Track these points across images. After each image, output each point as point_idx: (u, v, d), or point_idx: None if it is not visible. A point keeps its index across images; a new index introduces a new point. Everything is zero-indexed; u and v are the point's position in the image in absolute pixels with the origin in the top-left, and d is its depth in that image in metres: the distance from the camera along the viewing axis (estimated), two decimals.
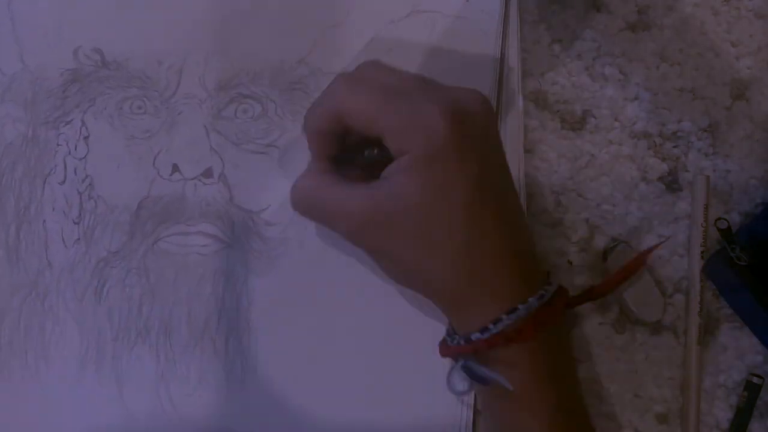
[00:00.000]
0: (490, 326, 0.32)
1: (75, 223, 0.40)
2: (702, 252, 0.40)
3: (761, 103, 0.42)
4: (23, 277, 0.40)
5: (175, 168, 0.41)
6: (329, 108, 0.34)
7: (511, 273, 0.33)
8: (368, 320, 0.39)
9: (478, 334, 0.33)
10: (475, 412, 0.38)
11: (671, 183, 0.41)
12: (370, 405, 0.38)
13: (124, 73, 0.42)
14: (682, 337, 0.40)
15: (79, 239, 0.40)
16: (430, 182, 0.32)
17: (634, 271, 0.37)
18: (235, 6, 0.43)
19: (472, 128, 0.33)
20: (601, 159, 0.42)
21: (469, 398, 0.38)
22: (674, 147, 0.42)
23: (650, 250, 0.37)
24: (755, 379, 0.39)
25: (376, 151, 0.35)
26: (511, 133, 0.41)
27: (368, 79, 0.35)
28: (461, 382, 0.34)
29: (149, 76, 0.42)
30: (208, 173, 0.41)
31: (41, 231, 0.40)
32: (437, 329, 0.36)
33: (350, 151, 0.36)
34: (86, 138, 0.41)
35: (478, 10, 0.42)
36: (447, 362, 0.36)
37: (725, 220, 0.38)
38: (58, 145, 0.41)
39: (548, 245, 0.41)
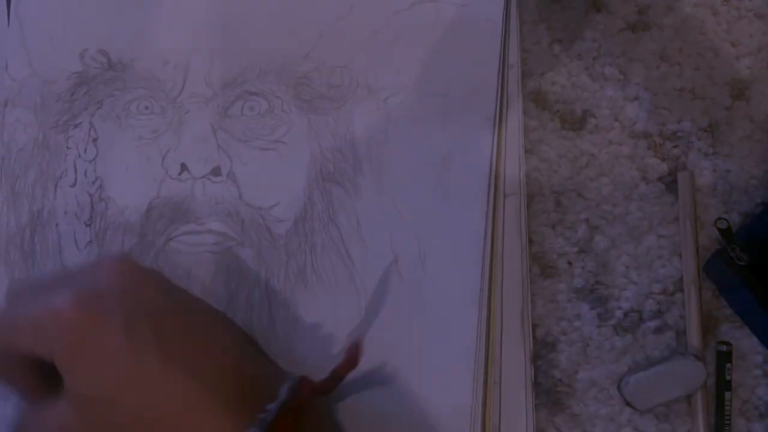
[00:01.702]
0: None
1: (87, 226, 0.40)
2: (696, 248, 0.39)
3: (761, 103, 0.41)
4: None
5: (184, 167, 0.40)
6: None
7: (215, 411, 0.30)
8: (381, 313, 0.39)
9: None
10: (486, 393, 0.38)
11: (671, 183, 0.41)
12: (387, 397, 0.38)
13: (131, 74, 0.41)
14: (683, 336, 0.39)
15: (91, 241, 0.39)
16: (88, 374, 0.31)
17: (352, 366, 0.35)
18: (239, 3, 0.41)
19: (103, 299, 0.32)
20: (601, 159, 0.41)
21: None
22: (674, 147, 0.41)
23: (357, 347, 0.35)
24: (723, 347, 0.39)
25: None
26: (510, 133, 0.40)
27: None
28: None
29: (155, 76, 0.41)
30: (216, 171, 0.40)
31: (54, 234, 0.40)
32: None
33: None
34: (95, 140, 0.40)
35: None
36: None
37: (725, 219, 0.37)
38: (68, 148, 0.40)
39: (548, 245, 0.40)
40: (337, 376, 0.35)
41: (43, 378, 0.33)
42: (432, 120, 0.40)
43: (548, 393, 0.39)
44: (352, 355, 0.35)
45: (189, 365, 0.31)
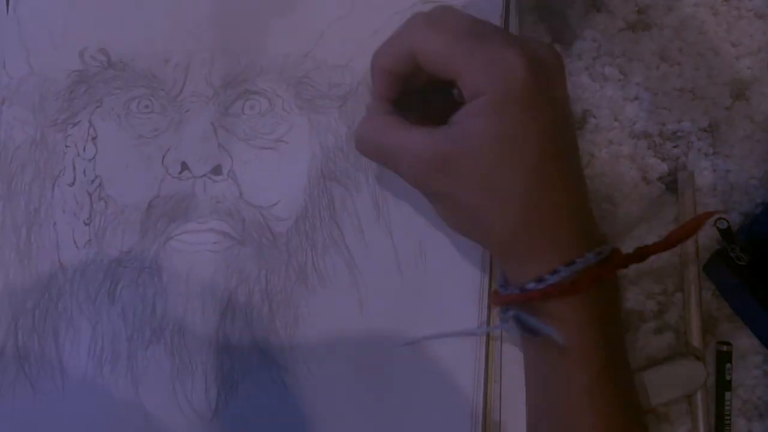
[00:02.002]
0: (547, 276, 0.31)
1: (86, 225, 0.39)
2: (696, 248, 0.39)
3: (761, 103, 0.41)
4: (36, 280, 0.39)
5: (184, 166, 0.40)
6: (404, 47, 0.33)
7: (573, 227, 0.32)
8: (380, 310, 0.39)
9: (533, 284, 0.32)
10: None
11: (671, 183, 0.41)
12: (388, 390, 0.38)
13: (131, 72, 0.40)
14: (683, 336, 0.39)
15: (90, 240, 0.39)
16: (505, 126, 0.32)
17: (692, 232, 0.34)
18: (239, 2, 0.41)
19: (547, 78, 0.33)
20: (601, 159, 0.41)
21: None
22: (674, 147, 0.41)
23: (709, 213, 0.35)
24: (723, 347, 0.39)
25: (449, 93, 0.34)
26: None
27: (445, 20, 0.34)
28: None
29: (155, 75, 0.40)
30: (217, 170, 0.40)
31: (52, 233, 0.39)
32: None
33: (411, 95, 0.35)
34: (94, 139, 0.40)
35: None
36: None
37: (725, 220, 0.37)
38: (66, 146, 0.40)
39: None
40: (674, 239, 0.34)
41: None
42: None
43: None
44: (698, 219, 0.34)
45: (575, 176, 0.33)
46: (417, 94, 0.35)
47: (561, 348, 0.32)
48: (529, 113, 0.31)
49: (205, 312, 0.38)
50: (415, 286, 0.38)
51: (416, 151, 0.33)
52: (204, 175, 0.40)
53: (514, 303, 0.33)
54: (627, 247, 0.40)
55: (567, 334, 0.31)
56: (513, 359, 0.38)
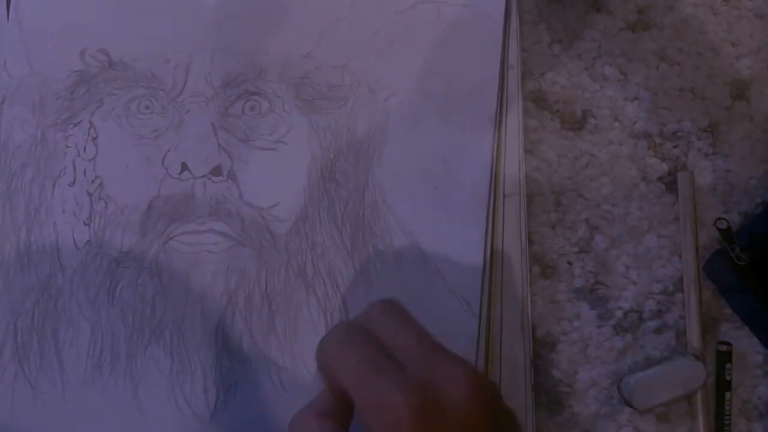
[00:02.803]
0: None
1: (86, 225, 0.39)
2: (696, 247, 0.39)
3: (761, 102, 0.41)
4: (35, 280, 0.38)
5: (184, 167, 0.39)
6: (321, 363, 0.32)
7: None
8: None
9: None
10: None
11: (671, 183, 0.40)
12: None
13: (131, 73, 0.40)
14: (683, 336, 0.39)
15: (90, 240, 0.39)
16: None
17: None
18: (240, 3, 0.41)
19: (444, 427, 0.29)
20: (601, 159, 0.41)
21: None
22: (674, 147, 0.41)
23: None
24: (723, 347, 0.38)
25: None
26: (510, 134, 0.40)
27: (358, 340, 0.31)
28: None
29: (156, 75, 0.40)
30: (217, 171, 0.39)
31: (52, 233, 0.39)
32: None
33: None
34: (95, 139, 0.40)
35: None
36: None
37: (725, 220, 0.37)
38: (66, 146, 0.39)
39: (548, 246, 0.40)
40: None
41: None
42: (433, 119, 0.40)
43: (548, 393, 0.39)
44: None
45: None
46: None
47: None
48: None
49: (204, 313, 0.38)
50: (415, 287, 0.38)
51: None
52: (204, 176, 0.39)
53: None
54: (626, 249, 0.40)
55: None
56: (513, 359, 0.38)
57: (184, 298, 0.38)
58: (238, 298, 0.38)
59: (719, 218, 0.37)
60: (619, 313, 0.39)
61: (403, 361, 0.30)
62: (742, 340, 0.39)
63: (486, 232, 0.39)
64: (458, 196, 0.39)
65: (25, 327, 0.38)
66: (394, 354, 0.30)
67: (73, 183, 0.39)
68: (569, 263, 0.40)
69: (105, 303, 0.38)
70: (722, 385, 0.38)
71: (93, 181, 0.39)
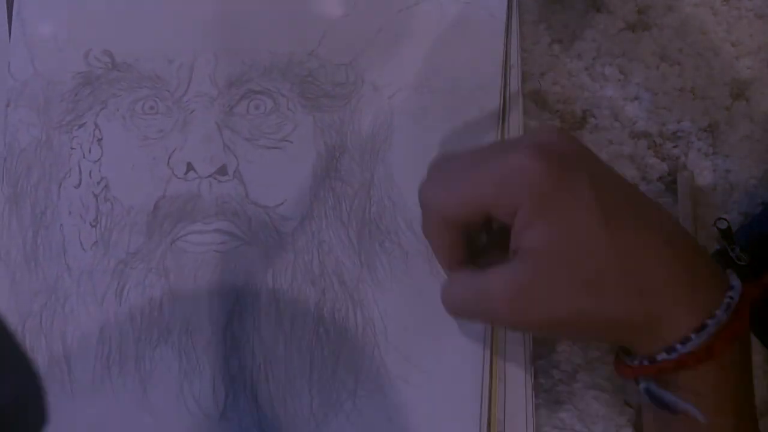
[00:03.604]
0: (678, 347, 0.28)
1: (92, 226, 0.38)
2: None
3: (761, 103, 0.41)
4: (42, 282, 0.38)
5: (190, 167, 0.39)
6: (440, 217, 0.32)
7: (691, 285, 0.28)
8: (389, 312, 0.38)
9: (664, 355, 0.29)
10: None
11: (671, 183, 0.40)
12: (395, 390, 0.37)
13: (135, 74, 0.39)
14: None
15: (96, 242, 0.38)
16: (557, 226, 0.29)
17: None
18: (243, 2, 0.40)
19: (563, 157, 0.30)
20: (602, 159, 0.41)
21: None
22: (674, 147, 0.41)
23: None
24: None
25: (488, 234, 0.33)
26: (511, 134, 0.40)
27: (444, 169, 0.32)
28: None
29: (160, 75, 0.39)
30: (222, 171, 0.39)
31: (58, 235, 0.38)
32: None
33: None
34: (100, 140, 0.39)
35: None
36: None
37: (725, 219, 0.37)
38: (72, 148, 0.39)
39: None
40: None
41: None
42: (437, 116, 0.39)
43: (548, 393, 0.38)
44: None
45: (655, 224, 0.29)
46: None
47: (697, 424, 0.29)
48: (568, 203, 0.28)
49: (212, 312, 0.38)
50: (423, 283, 0.38)
51: (500, 290, 0.30)
52: (209, 176, 0.39)
53: (644, 374, 0.30)
54: None
55: (704, 410, 0.29)
56: (514, 360, 0.38)
57: (192, 298, 0.38)
58: (246, 298, 0.38)
59: (719, 218, 0.37)
60: None
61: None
62: None
63: None
64: None
65: (33, 329, 0.37)
66: None
67: (79, 185, 0.39)
68: None
69: (113, 304, 0.38)
70: None
71: (99, 183, 0.38)
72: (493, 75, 0.39)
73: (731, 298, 0.29)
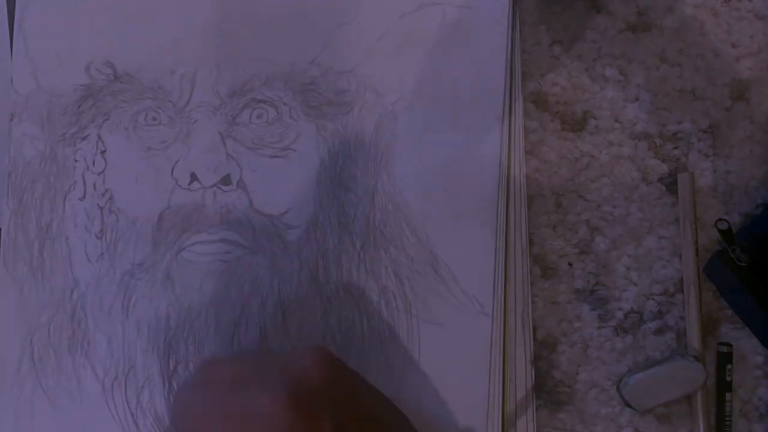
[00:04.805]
0: None
1: (98, 238, 0.37)
2: (696, 250, 0.38)
3: (761, 103, 0.40)
4: (49, 295, 0.37)
5: (194, 177, 0.38)
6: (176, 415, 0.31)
7: None
8: (395, 318, 0.37)
9: None
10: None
11: (671, 184, 0.39)
12: (404, 395, 0.37)
13: (137, 85, 0.38)
14: (683, 337, 0.38)
15: (102, 254, 0.37)
16: None
17: None
18: (243, 11, 0.39)
19: (317, 401, 0.29)
20: (602, 160, 0.40)
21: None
22: (674, 148, 0.40)
23: None
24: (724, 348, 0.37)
25: None
26: (512, 135, 0.39)
27: (196, 396, 0.31)
28: None
29: (162, 86, 0.38)
30: (226, 180, 0.38)
31: (64, 248, 0.37)
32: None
33: None
34: (103, 152, 0.38)
35: None
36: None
37: (725, 220, 0.36)
38: (75, 161, 0.38)
39: (548, 247, 0.39)
40: None
41: None
42: (440, 122, 0.38)
43: (549, 393, 0.38)
44: None
45: None
46: None
47: None
48: None
49: (219, 321, 0.37)
50: (428, 289, 0.37)
51: None
52: (213, 186, 0.38)
53: None
54: (627, 250, 0.39)
55: None
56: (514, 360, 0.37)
57: (198, 308, 0.37)
58: (252, 306, 0.37)
59: (720, 219, 0.36)
60: (619, 314, 0.38)
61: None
62: (743, 341, 0.38)
63: (497, 232, 0.38)
64: (468, 198, 0.38)
65: (42, 342, 0.37)
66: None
67: (84, 197, 0.38)
68: (570, 264, 0.39)
69: (120, 315, 0.37)
70: (723, 386, 0.37)
71: (103, 195, 0.38)
72: (496, 79, 0.39)
73: None
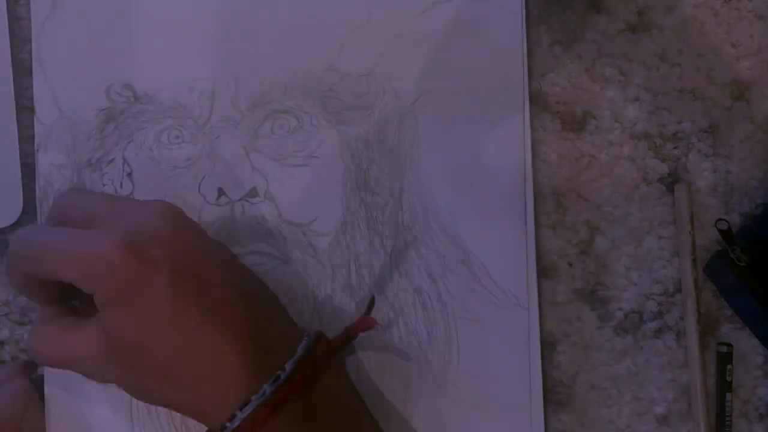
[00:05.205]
0: (227, 425, 0.29)
1: None
2: (693, 260, 0.37)
3: (761, 104, 0.39)
4: None
5: (221, 192, 0.36)
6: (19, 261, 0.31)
7: (236, 364, 0.29)
8: (431, 318, 0.36)
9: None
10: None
11: (672, 184, 0.38)
12: (444, 396, 0.36)
13: (157, 105, 0.36)
14: (683, 338, 0.38)
15: None
16: (128, 317, 0.29)
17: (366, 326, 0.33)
18: (257, 23, 0.36)
19: (150, 248, 0.29)
20: (602, 160, 0.38)
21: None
22: (674, 148, 0.38)
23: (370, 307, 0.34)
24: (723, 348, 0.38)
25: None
26: (515, 134, 0.37)
27: (50, 218, 0.31)
28: None
29: (182, 104, 0.36)
30: (253, 193, 0.36)
31: None
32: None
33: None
34: (129, 174, 0.36)
35: None
36: None
37: (725, 221, 0.35)
38: (103, 185, 0.36)
39: (548, 247, 0.38)
40: (350, 336, 0.33)
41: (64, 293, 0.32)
42: (462, 118, 0.37)
43: (548, 394, 0.38)
44: (367, 317, 0.33)
45: (220, 319, 0.30)
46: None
47: None
48: (141, 297, 0.28)
49: None
50: (463, 286, 0.36)
51: (78, 353, 0.30)
52: (241, 199, 0.36)
53: None
54: (627, 250, 0.38)
55: None
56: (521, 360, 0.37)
57: None
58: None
59: (719, 219, 0.35)
60: (619, 314, 0.38)
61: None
62: (743, 341, 0.38)
63: (526, 222, 0.36)
64: (495, 192, 0.37)
65: None
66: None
67: None
68: (570, 264, 0.38)
69: None
70: (723, 386, 0.38)
71: None
72: (514, 70, 0.37)
73: (280, 373, 0.30)
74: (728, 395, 0.37)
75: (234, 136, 0.36)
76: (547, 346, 0.38)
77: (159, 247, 0.29)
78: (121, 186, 0.35)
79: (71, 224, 0.30)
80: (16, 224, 0.36)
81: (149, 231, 0.29)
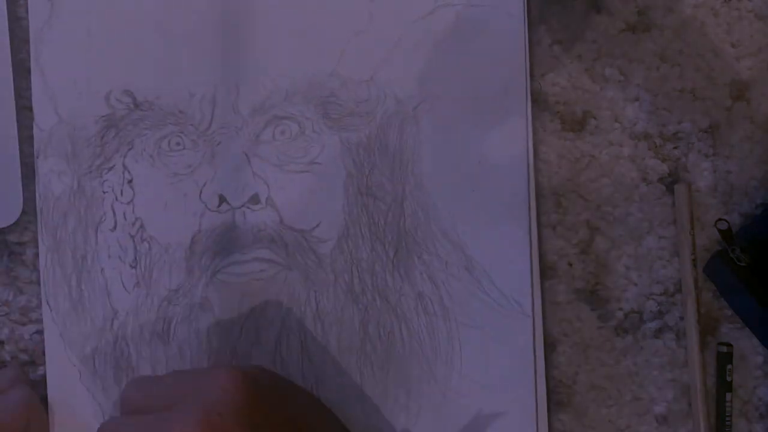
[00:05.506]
0: None
1: (132, 267, 0.34)
2: (693, 260, 0.36)
3: (761, 104, 0.38)
4: (91, 326, 0.34)
5: (222, 198, 0.34)
6: None
7: None
8: (433, 324, 0.35)
9: None
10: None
11: (672, 184, 0.37)
12: (447, 401, 0.35)
13: (158, 111, 0.34)
14: (683, 338, 0.37)
15: (138, 282, 0.34)
16: None
17: None
18: (257, 28, 0.35)
19: (230, 422, 0.27)
20: (602, 160, 0.37)
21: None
22: (674, 148, 0.37)
23: None
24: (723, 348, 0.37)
25: None
26: (518, 139, 0.35)
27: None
28: None
29: (182, 110, 0.34)
30: (254, 199, 0.34)
31: (101, 279, 0.34)
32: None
33: None
34: (130, 182, 0.34)
35: None
36: None
37: (725, 221, 0.34)
38: (104, 192, 0.34)
39: (548, 247, 0.37)
40: None
41: None
42: (464, 123, 0.35)
43: (548, 394, 0.36)
44: None
45: None
46: None
47: None
48: None
49: (260, 339, 0.35)
50: (465, 292, 0.34)
51: None
52: (242, 206, 0.34)
53: None
54: (627, 250, 0.37)
55: None
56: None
57: (239, 327, 0.35)
58: (291, 322, 0.35)
59: (719, 219, 0.34)
60: (619, 314, 0.37)
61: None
62: (743, 341, 0.37)
63: (530, 229, 0.35)
64: (498, 197, 0.35)
65: (87, 372, 0.34)
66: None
67: (115, 227, 0.34)
68: (570, 264, 0.37)
69: (161, 342, 0.34)
70: (723, 386, 0.37)
71: (133, 224, 0.34)
72: (516, 73, 0.35)
73: None
74: (728, 395, 0.36)
75: (235, 142, 0.34)
76: (547, 346, 0.36)
77: (232, 421, 0.26)
78: (122, 193, 0.34)
79: (132, 419, 0.28)
80: (16, 224, 0.34)
81: (220, 404, 0.27)
